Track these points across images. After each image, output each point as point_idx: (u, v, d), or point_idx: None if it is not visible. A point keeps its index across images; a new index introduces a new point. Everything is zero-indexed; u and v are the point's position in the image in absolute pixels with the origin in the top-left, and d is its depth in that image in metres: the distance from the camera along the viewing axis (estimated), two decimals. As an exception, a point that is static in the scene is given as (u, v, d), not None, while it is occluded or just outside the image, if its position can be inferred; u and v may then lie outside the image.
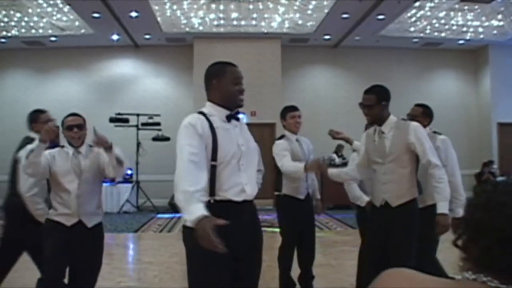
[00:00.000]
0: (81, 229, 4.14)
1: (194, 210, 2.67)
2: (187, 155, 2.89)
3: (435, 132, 4.87)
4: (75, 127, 4.25)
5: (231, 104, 3.18)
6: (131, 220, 12.45)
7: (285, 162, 5.10)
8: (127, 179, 14.64)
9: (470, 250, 1.27)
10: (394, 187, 4.13)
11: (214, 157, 3.02)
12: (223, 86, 3.17)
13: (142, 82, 16.40)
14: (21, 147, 4.55)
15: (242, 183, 3.08)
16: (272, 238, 8.21)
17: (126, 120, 14.01)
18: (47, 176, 4.17)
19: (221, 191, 3.02)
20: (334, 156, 14.09)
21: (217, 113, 3.16)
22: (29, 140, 4.58)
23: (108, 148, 4.12)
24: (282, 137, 5.42)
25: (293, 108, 5.47)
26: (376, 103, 4.19)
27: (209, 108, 3.21)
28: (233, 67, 3.22)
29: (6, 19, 13.47)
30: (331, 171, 4.72)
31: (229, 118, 3.17)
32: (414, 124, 4.28)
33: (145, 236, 10.45)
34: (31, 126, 4.85)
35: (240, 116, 3.35)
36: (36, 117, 4.89)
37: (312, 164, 4.85)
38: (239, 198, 3.04)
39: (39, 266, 4.66)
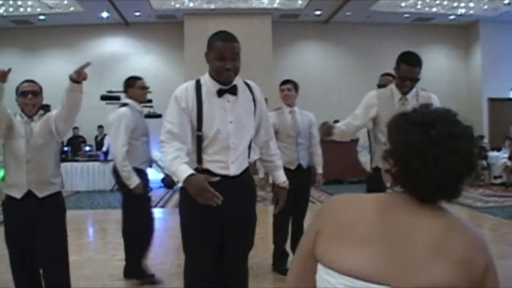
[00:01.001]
0: (32, 200, 3.82)
1: (182, 172, 2.91)
2: (165, 127, 3.12)
3: None
4: (30, 93, 3.89)
5: (218, 79, 3.17)
6: (124, 197, 12.44)
7: None
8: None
9: (400, 180, 1.44)
10: None
11: (199, 128, 3.13)
12: (210, 60, 3.17)
13: (133, 60, 16.34)
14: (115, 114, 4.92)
15: (228, 161, 3.17)
16: (265, 212, 8.31)
17: (118, 98, 13.87)
18: (3, 128, 3.81)
19: (206, 162, 3.16)
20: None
21: (210, 85, 3.18)
22: (123, 105, 4.95)
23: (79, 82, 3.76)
24: (278, 108, 5.68)
25: (283, 82, 5.73)
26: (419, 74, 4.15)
27: (205, 78, 3.24)
28: (221, 42, 3.12)
29: (-7, -2, 13.37)
30: (336, 132, 4.52)
31: (220, 93, 3.17)
32: (434, 95, 4.33)
33: (138, 212, 10.43)
34: (127, 91, 5.14)
35: (243, 90, 3.29)
36: (132, 83, 5.14)
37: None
38: (221, 172, 3.13)
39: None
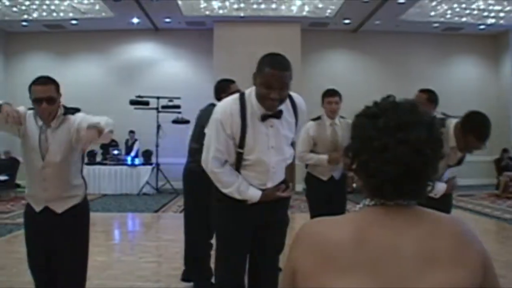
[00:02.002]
0: (51, 215, 3.52)
1: (253, 195, 3.17)
2: (211, 153, 3.15)
3: (445, 115, 4.79)
4: (44, 100, 3.34)
5: (262, 105, 3.06)
6: (151, 201, 12.59)
7: (303, 155, 5.43)
8: (147, 161, 14.83)
9: (360, 175, 1.41)
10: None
11: (241, 146, 3.14)
12: (257, 84, 3.03)
13: (162, 65, 16.47)
14: (207, 115, 4.49)
15: (266, 181, 3.25)
16: (291, 219, 8.33)
17: (147, 103, 14.11)
18: (14, 129, 3.44)
19: (244, 176, 3.22)
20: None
21: (255, 108, 3.10)
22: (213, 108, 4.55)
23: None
24: (317, 118, 5.49)
25: (330, 93, 5.46)
26: None
27: (251, 96, 3.12)
28: (271, 69, 2.91)
29: (27, 2, 13.57)
30: None
31: (263, 118, 3.10)
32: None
33: (165, 216, 10.61)
34: (220, 96, 4.64)
35: (286, 107, 3.18)
36: (226, 87, 4.79)
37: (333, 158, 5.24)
38: (258, 187, 3.24)
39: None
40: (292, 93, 3.21)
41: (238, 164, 3.19)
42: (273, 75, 2.91)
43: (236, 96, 3.19)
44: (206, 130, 4.56)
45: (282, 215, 3.43)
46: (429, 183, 1.38)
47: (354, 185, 1.47)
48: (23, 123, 3.45)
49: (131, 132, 15.28)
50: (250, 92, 3.14)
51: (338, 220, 1.40)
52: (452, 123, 4.03)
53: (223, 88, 4.81)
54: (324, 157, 5.30)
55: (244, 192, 3.14)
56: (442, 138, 1.39)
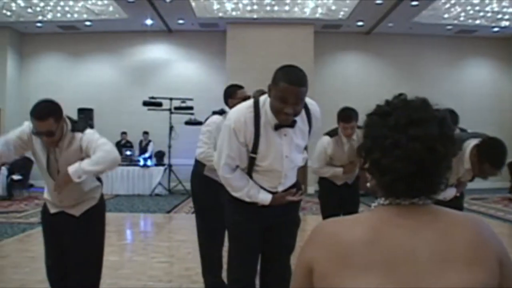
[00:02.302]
0: (67, 217, 3.58)
1: (264, 198, 3.19)
2: (223, 159, 3.16)
3: (462, 130, 4.72)
4: (43, 135, 3.27)
5: (276, 117, 3.00)
6: (163, 202, 12.63)
7: (318, 170, 5.47)
8: (159, 162, 14.88)
9: (374, 174, 1.40)
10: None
11: (254, 152, 3.13)
12: (272, 96, 2.94)
13: (175, 67, 16.52)
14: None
15: (277, 185, 3.27)
16: (303, 221, 8.33)
17: (159, 104, 14.16)
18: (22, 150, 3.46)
19: (256, 179, 3.25)
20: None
21: (269, 117, 3.04)
22: (222, 113, 4.64)
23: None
24: (334, 133, 5.37)
25: (345, 119, 5.29)
26: None
27: (266, 106, 3.05)
28: (287, 84, 2.80)
29: (42, 4, 13.69)
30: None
31: (277, 127, 3.05)
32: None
33: (177, 217, 10.64)
34: (227, 101, 4.76)
35: (300, 115, 3.08)
36: (233, 92, 4.79)
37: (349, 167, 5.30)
38: (269, 190, 3.26)
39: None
40: (307, 99, 3.09)
41: (251, 168, 3.20)
42: (289, 90, 2.81)
43: (250, 103, 3.14)
44: (203, 127, 4.68)
45: (293, 216, 3.44)
46: (442, 180, 1.37)
47: (368, 184, 1.46)
48: (29, 146, 3.44)
49: (145, 133, 15.34)
50: (265, 100, 3.07)
51: (352, 220, 1.40)
52: (469, 146, 3.94)
53: (230, 94, 4.82)
54: (340, 169, 5.33)
55: (254, 196, 3.17)
56: (454, 134, 1.39)
